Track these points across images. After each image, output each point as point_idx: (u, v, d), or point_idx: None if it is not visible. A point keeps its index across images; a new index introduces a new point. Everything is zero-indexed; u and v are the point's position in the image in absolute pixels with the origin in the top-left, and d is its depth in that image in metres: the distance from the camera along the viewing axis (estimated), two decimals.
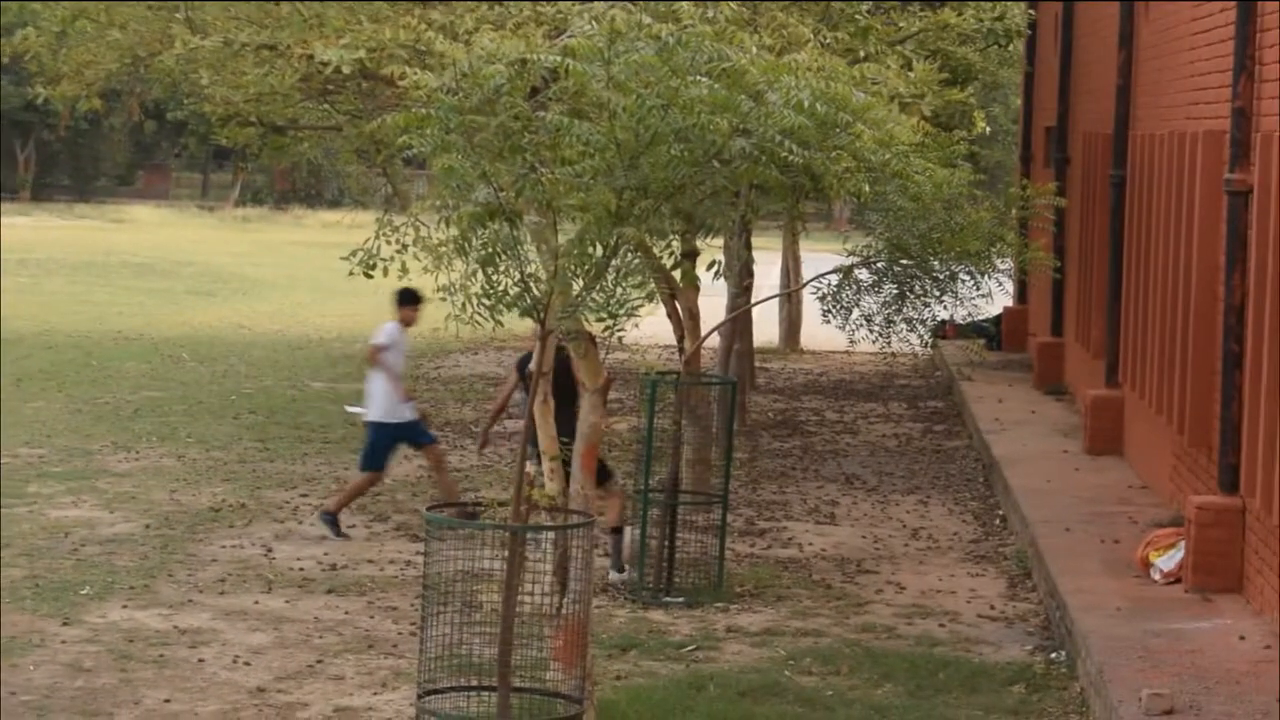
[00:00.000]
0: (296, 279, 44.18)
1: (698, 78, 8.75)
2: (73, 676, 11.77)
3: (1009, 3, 20.13)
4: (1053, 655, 12.99)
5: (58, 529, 16.05)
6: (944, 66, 18.42)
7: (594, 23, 8.89)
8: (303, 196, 78.41)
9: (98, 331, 30.74)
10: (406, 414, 16.69)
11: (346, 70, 12.70)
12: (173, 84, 17.93)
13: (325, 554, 15.58)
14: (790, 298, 31.70)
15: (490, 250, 9.17)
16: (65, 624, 12.98)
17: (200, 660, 12.23)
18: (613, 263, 9.19)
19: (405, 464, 20.03)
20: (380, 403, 16.66)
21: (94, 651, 12.33)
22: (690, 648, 13.03)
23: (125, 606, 13.53)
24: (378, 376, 16.74)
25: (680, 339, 16.58)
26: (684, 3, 9.24)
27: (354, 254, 16.50)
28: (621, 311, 9.27)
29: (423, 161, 11.81)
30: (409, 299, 17.04)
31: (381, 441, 16.63)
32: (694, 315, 16.42)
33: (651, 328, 18.66)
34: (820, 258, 28.65)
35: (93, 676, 11.78)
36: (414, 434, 16.82)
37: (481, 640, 10.33)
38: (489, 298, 9.33)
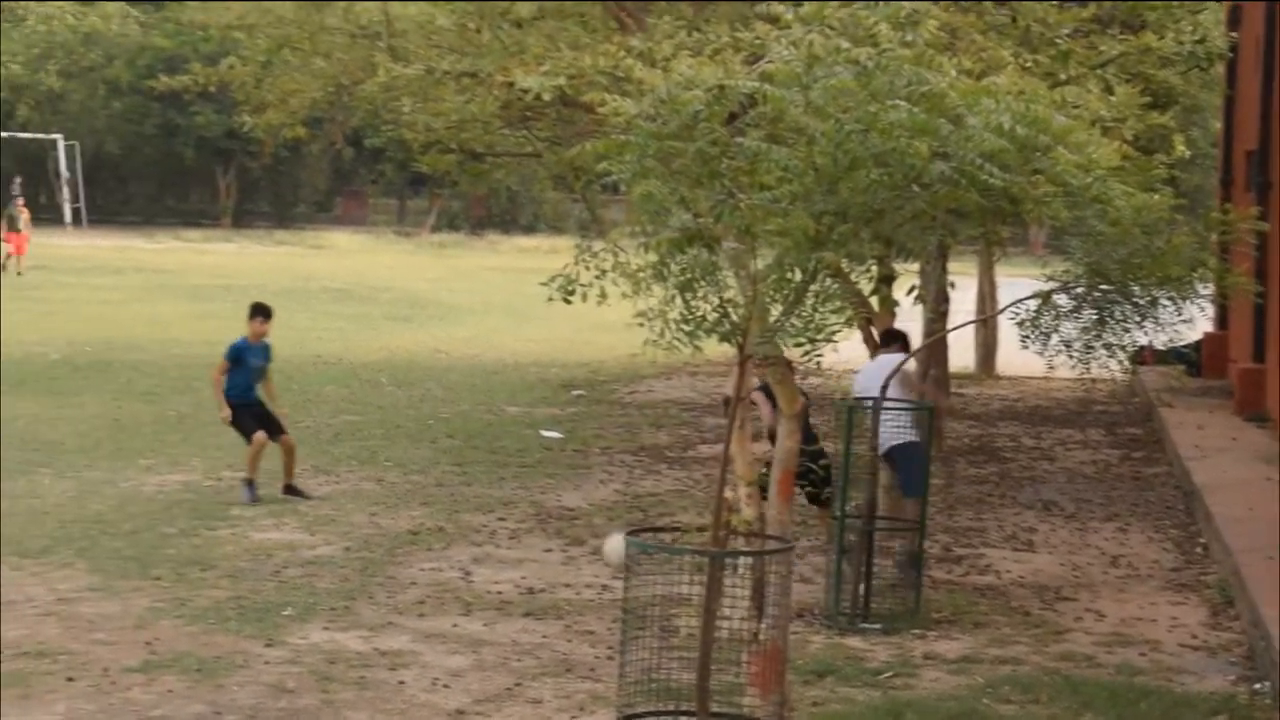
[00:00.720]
0: (492, 304, 44.57)
1: (896, 102, 8.72)
2: (276, 697, 11.92)
3: (1210, 26, 19.88)
4: (1256, 686, 12.76)
5: (260, 551, 16.28)
6: (1145, 90, 18.20)
7: (792, 48, 8.89)
8: (498, 222, 79.12)
9: (298, 356, 31.16)
10: None
11: (546, 97, 12.82)
12: (374, 111, 18.20)
13: (523, 577, 15.68)
14: (986, 323, 31.51)
15: (689, 276, 9.20)
16: (268, 645, 13.15)
17: (400, 682, 12.34)
18: (811, 287, 9.18)
19: (603, 488, 20.15)
20: None
21: (296, 672, 12.48)
22: (887, 674, 12.95)
23: (326, 628, 13.69)
24: None
25: None
26: (882, 27, 9.22)
27: (553, 279, 16.58)
28: (820, 336, 9.26)
29: (618, 187, 11.87)
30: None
31: None
32: None
33: (846, 353, 18.61)
34: (1016, 282, 28.42)
35: (295, 697, 11.92)
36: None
37: (679, 665, 10.32)
38: (687, 323, 9.35)
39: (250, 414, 19.10)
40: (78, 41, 77.50)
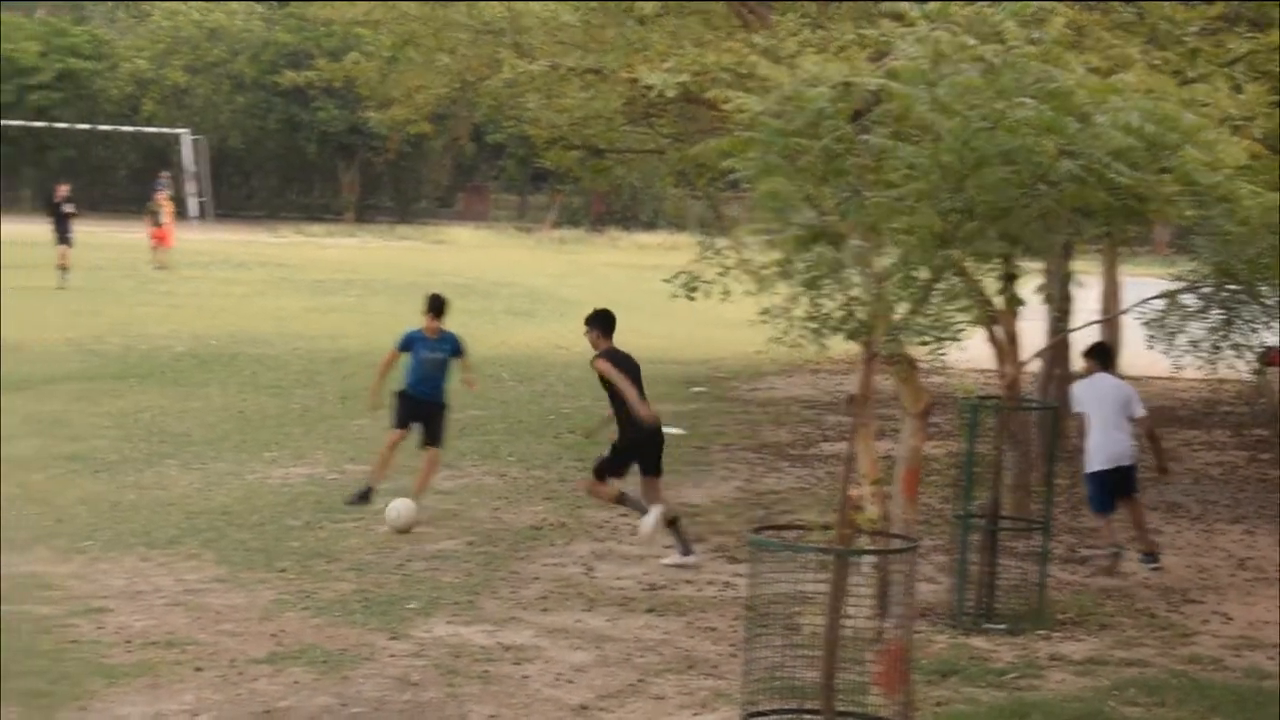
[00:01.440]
0: (612, 300, 44.39)
1: (1023, 99, 8.67)
2: (401, 690, 12.00)
3: None
4: None
5: (385, 545, 16.40)
6: (1274, 88, 17.98)
7: (918, 45, 8.86)
8: (618, 218, 79.18)
9: None
10: None
11: (670, 94, 12.82)
12: (497, 107, 18.26)
13: (645, 574, 15.71)
14: (1110, 322, 31.24)
15: (814, 273, 9.19)
16: (393, 638, 13.25)
17: (524, 677, 12.40)
18: (937, 286, 9.15)
19: (724, 485, 20.15)
20: None
21: (421, 666, 12.57)
22: (1012, 675, 12.88)
23: (450, 622, 13.77)
24: None
25: (1000, 363, 16.44)
26: (1009, 24, 9.16)
27: (676, 276, 16.61)
28: (946, 335, 9.24)
29: (739, 184, 11.85)
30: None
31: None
32: (1014, 339, 16.27)
33: (968, 351, 18.49)
34: (1141, 281, 28.19)
35: (420, 691, 12.00)
36: None
37: (803, 663, 10.32)
38: (812, 321, 9.35)
39: (406, 406, 18.41)
40: (203, 37, 78.17)
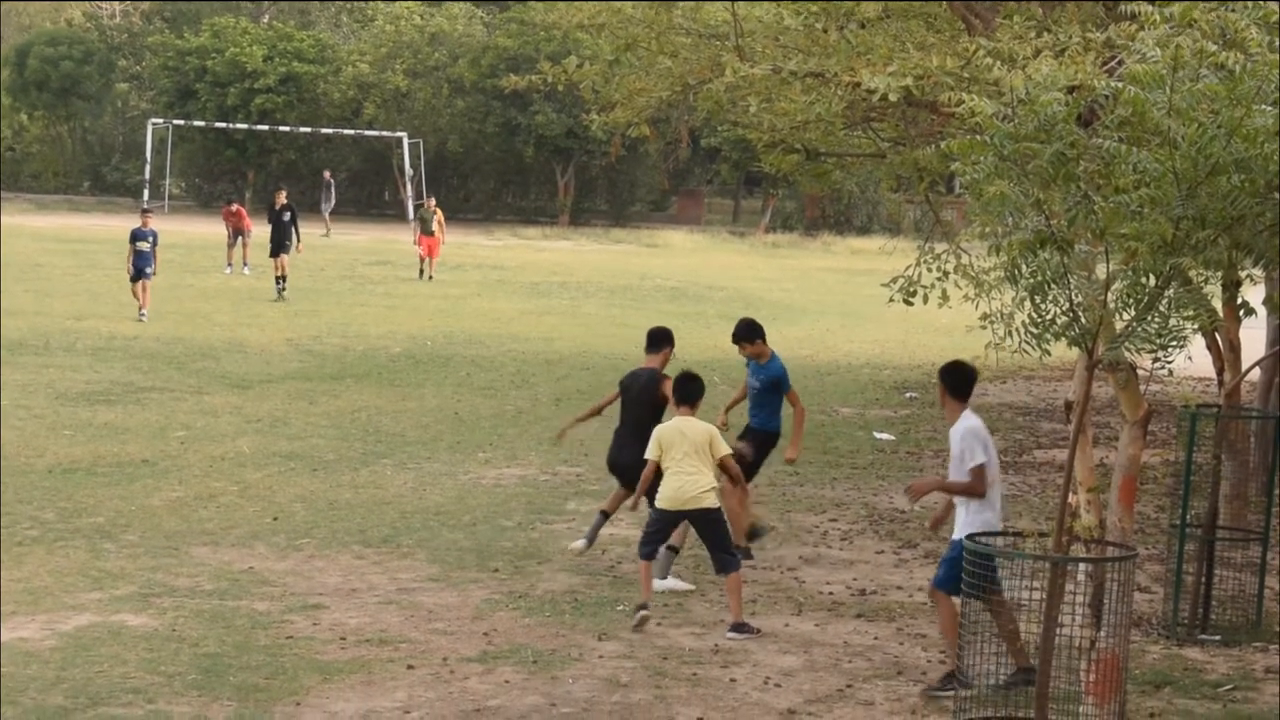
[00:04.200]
0: (825, 305, 44.48)
1: (1263, 107, 8.49)
2: (610, 691, 12.01)
3: None
4: None
5: (595, 546, 16.42)
6: None
7: (1158, 49, 8.70)
8: (832, 223, 78.94)
9: (633, 354, 31.37)
10: None
11: (893, 98, 12.69)
12: (717, 111, 18.19)
13: (854, 579, 15.61)
14: None
15: (1040, 279, 9.06)
16: (602, 639, 13.26)
17: (732, 680, 12.35)
18: (1165, 293, 8.99)
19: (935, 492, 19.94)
20: None
21: (630, 667, 12.57)
22: (1227, 687, 12.62)
23: (660, 624, 13.76)
24: None
25: (1220, 371, 16.13)
26: (1252, 30, 8.96)
27: (894, 281, 16.43)
28: (1172, 343, 9.07)
29: (954, 188, 11.71)
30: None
31: None
32: (1235, 348, 15.97)
33: (1186, 359, 18.09)
34: None
35: (629, 692, 12.00)
36: None
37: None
38: (1036, 326, 9.23)
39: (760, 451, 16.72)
40: (424, 41, 79.07)
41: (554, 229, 75.55)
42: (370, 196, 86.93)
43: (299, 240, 43.11)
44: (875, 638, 13.68)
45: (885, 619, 14.26)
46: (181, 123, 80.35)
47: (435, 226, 47.84)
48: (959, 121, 9.60)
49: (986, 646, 10.58)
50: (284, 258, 41.09)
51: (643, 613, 13.58)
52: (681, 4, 16.52)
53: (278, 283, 40.44)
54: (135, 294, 34.76)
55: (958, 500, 12.44)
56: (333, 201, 69.14)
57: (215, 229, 54.22)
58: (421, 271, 47.78)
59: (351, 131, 79.73)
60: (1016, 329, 9.29)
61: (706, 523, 13.83)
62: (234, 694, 11.59)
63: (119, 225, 35.38)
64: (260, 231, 45.86)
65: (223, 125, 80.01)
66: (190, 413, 23.24)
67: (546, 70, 17.69)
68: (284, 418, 23.17)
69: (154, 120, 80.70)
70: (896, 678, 12.60)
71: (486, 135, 78.90)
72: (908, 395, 28.49)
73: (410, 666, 12.31)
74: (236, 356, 29.18)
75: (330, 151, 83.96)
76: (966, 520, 12.13)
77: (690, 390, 14.29)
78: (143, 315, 33.99)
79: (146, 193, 77.46)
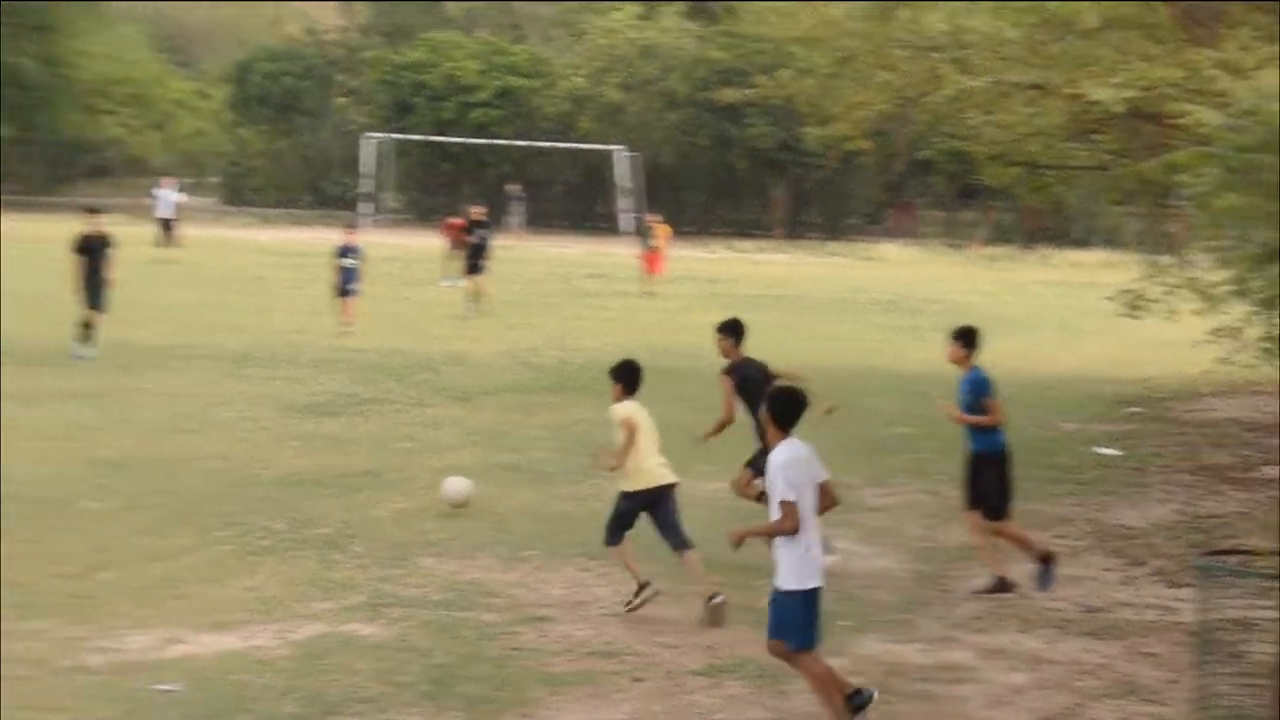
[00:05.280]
0: (1043, 318, 44.05)
1: None
2: None
3: None
4: None
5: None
6: None
7: None
8: (1050, 235, 78.13)
9: (848, 367, 31.33)
10: None
11: (1117, 109, 12.59)
12: (935, 124, 18.15)
13: (1081, 595, 15.46)
14: None
15: (1272, 292, 8.95)
16: (827, 654, 13.20)
17: (960, 697, 12.29)
18: None
19: (1161, 507, 19.72)
20: None
21: (855, 682, 12.51)
22: None
23: (885, 640, 13.72)
24: None
25: None
26: None
27: (1120, 294, 16.27)
28: None
29: (1181, 201, 11.56)
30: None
31: None
32: None
33: None
34: None
35: None
36: None
37: (1249, 692, 10.04)
38: (1268, 341, 9.11)
39: (986, 474, 15.83)
40: (637, 54, 79.48)
41: (769, 241, 75.57)
42: (585, 209, 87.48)
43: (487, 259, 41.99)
44: (1105, 656, 13.54)
45: (1114, 637, 14.10)
46: (398, 136, 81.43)
47: (657, 242, 47.52)
48: (1184, 133, 9.48)
49: (1221, 667, 10.45)
50: (478, 278, 40.07)
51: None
52: (900, 16, 16.48)
53: (470, 301, 39.73)
54: (340, 310, 34.58)
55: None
56: (522, 215, 69.04)
57: (433, 242, 54.82)
58: (645, 290, 47.34)
59: (566, 145, 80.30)
60: (1249, 343, 9.18)
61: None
62: (463, 705, 11.74)
63: (339, 238, 35.69)
64: (410, 244, 45.58)
65: (439, 139, 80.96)
66: (412, 424, 23.55)
67: (763, 84, 17.75)
68: (503, 430, 23.40)
69: (371, 134, 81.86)
70: (1128, 697, 12.45)
71: (699, 148, 79.11)
72: (1130, 410, 28.14)
73: (637, 679, 12.39)
74: (455, 369, 29.51)
75: (545, 165, 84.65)
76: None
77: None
78: (348, 332, 33.89)
79: (367, 206, 78.63)
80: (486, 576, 15.30)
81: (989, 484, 15.63)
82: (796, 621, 11.48)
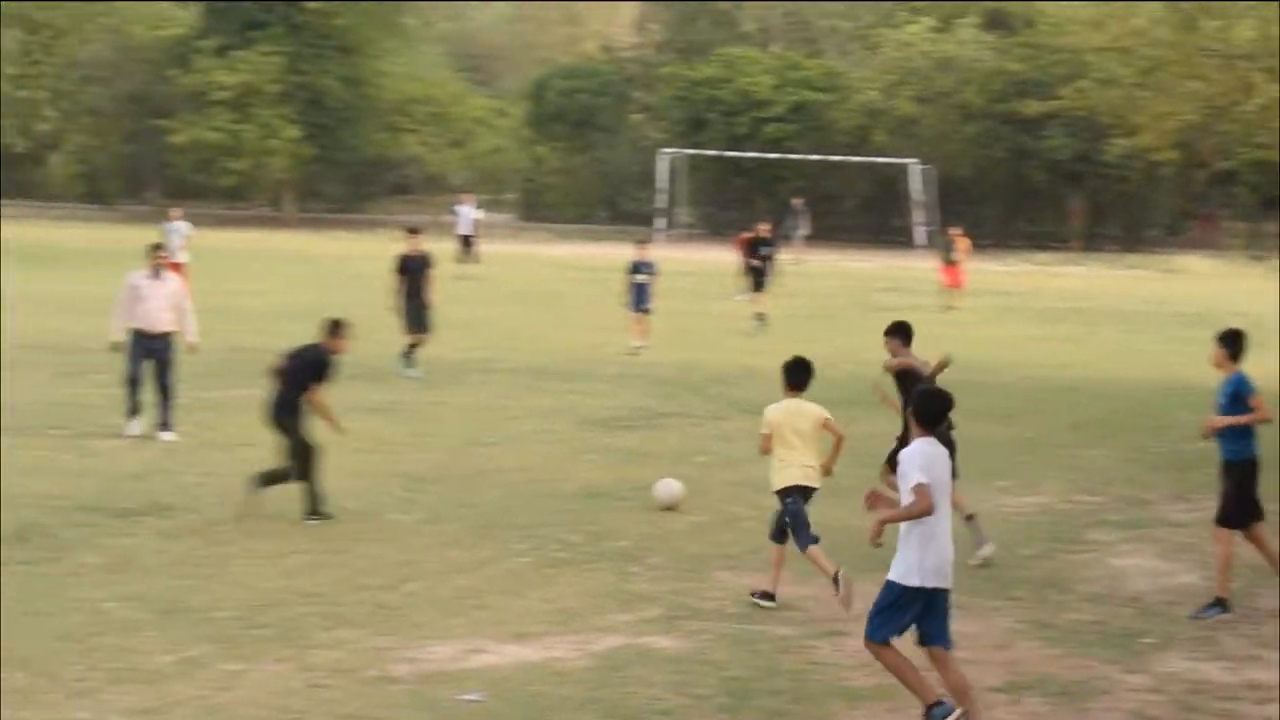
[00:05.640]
0: None
1: None
2: None
3: None
4: None
5: (1118, 576, 16.16)
6: None
7: None
8: None
9: (1150, 381, 30.84)
10: None
11: None
12: (1246, 134, 17.77)
13: None
14: None
15: None
16: (1129, 671, 13.04)
17: (1267, 717, 12.01)
18: None
19: None
20: None
21: (1158, 701, 12.32)
22: None
23: (1188, 657, 13.47)
24: None
25: None
26: None
27: None
28: None
29: None
30: None
31: None
32: None
33: None
34: None
35: None
36: None
37: None
38: None
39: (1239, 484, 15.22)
40: (932, 67, 79.09)
41: (1066, 254, 74.62)
42: (879, 223, 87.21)
43: (771, 277, 41.52)
44: None
45: None
46: (693, 152, 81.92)
47: (958, 256, 46.80)
48: None
49: None
50: (759, 295, 39.57)
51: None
52: (1207, 25, 16.17)
53: (755, 319, 39.11)
54: (632, 325, 34.23)
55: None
56: (806, 229, 68.80)
57: (726, 256, 54.98)
58: (944, 303, 46.48)
59: (860, 158, 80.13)
60: None
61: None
62: (761, 718, 11.75)
63: (632, 254, 35.82)
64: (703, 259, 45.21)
65: (733, 154, 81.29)
66: (708, 438, 23.65)
67: (1067, 95, 17.52)
68: None
69: (666, 150, 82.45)
70: None
71: (995, 160, 78.44)
72: None
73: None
74: (751, 382, 29.54)
75: (839, 179, 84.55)
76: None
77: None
78: (640, 348, 33.45)
79: (661, 221, 79.25)
80: (782, 590, 15.28)
81: (1241, 491, 15.09)
82: (881, 610, 11.46)
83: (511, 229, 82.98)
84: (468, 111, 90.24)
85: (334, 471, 20.23)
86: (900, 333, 17.87)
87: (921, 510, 11.12)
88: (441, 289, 31.59)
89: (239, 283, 47.06)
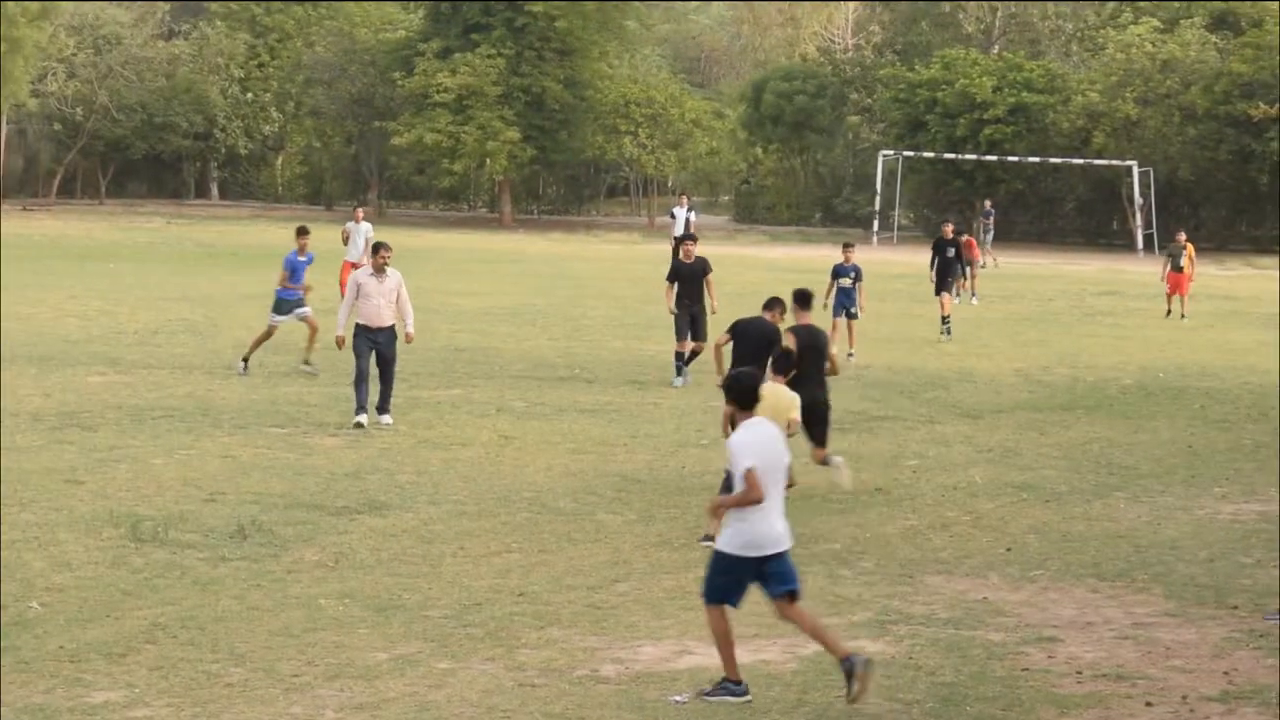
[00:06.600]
0: None
1: None
2: None
3: None
4: None
5: None
6: None
7: None
8: None
9: None
10: None
11: None
12: None
13: None
14: None
15: None
16: None
17: None
18: None
19: None
20: None
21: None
22: None
23: None
24: None
25: None
26: None
27: None
28: None
29: None
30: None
31: None
32: None
33: None
34: None
35: None
36: None
37: None
38: None
39: None
40: (1155, 69, 78.02)
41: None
42: (1098, 225, 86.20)
43: (968, 276, 40.77)
44: None
45: None
46: (911, 154, 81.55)
47: (1185, 262, 45.42)
48: None
49: None
50: (945, 296, 38.24)
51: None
52: None
53: (943, 322, 37.79)
54: (833, 330, 31.89)
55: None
56: (992, 232, 68.51)
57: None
58: (1169, 310, 45.14)
59: (1080, 161, 79.25)
60: None
61: None
62: None
63: (837, 257, 35.34)
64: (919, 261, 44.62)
65: (952, 156, 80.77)
66: (922, 442, 23.51)
67: None
68: (1015, 448, 23.17)
69: (884, 152, 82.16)
70: None
71: (1219, 163, 77.19)
72: None
73: (1149, 704, 12.12)
74: (966, 386, 29.35)
75: (1058, 181, 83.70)
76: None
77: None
78: (849, 356, 32.11)
79: (876, 223, 78.96)
80: (995, 595, 15.16)
81: None
82: (710, 577, 12.23)
83: (726, 231, 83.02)
84: (685, 113, 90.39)
85: (546, 471, 20.42)
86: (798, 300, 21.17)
87: (753, 499, 11.94)
88: (655, 293, 31.60)
89: (457, 283, 47.54)
